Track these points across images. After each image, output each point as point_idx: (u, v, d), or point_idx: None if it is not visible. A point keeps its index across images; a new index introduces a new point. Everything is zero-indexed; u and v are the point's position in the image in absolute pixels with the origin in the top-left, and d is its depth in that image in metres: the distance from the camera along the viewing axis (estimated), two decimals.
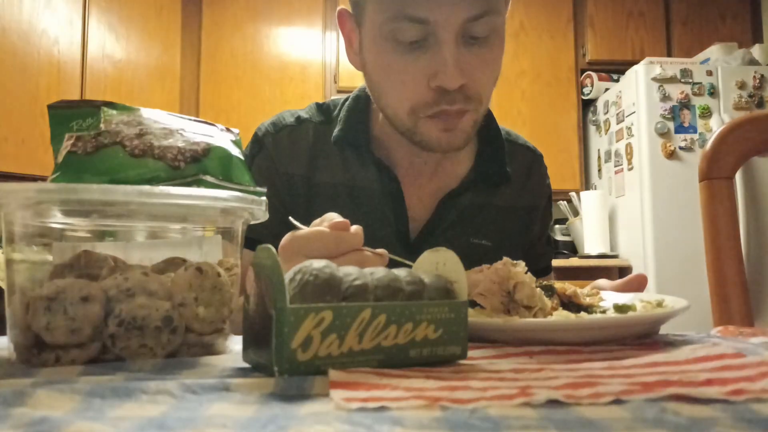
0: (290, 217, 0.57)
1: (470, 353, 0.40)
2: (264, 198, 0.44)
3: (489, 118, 0.82)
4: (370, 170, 0.78)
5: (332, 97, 0.89)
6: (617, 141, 2.85)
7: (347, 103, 0.83)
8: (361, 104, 0.81)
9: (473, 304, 0.52)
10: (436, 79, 0.65)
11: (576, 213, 3.02)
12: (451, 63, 0.64)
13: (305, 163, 0.79)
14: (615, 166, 2.87)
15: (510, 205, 0.84)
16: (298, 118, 0.82)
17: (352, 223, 0.55)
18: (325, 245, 0.52)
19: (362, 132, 0.80)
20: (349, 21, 0.74)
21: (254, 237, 0.65)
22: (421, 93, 0.67)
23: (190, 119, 0.49)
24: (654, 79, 2.58)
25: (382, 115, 0.76)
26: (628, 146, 2.72)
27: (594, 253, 2.78)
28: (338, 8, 0.75)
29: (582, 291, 0.55)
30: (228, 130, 0.51)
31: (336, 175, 0.79)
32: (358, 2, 0.71)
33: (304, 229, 0.54)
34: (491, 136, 0.83)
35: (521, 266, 0.51)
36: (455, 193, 0.80)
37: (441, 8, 0.63)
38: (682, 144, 2.54)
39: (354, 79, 2.91)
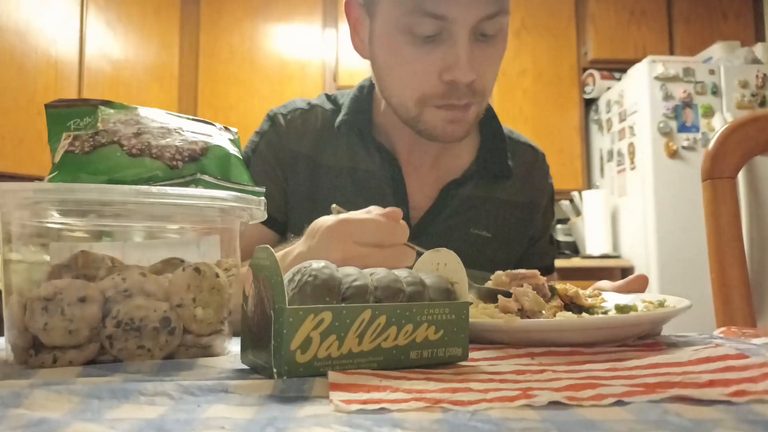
0: (334, 204, 0.59)
1: (471, 354, 0.39)
2: (263, 198, 0.44)
3: (491, 113, 0.85)
4: (373, 155, 0.81)
5: (340, 91, 0.93)
6: (619, 140, 2.84)
7: (352, 91, 0.87)
8: (365, 93, 0.85)
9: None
10: (448, 74, 0.69)
11: (578, 213, 3.01)
12: (464, 59, 0.68)
13: (312, 144, 0.83)
14: (617, 166, 2.86)
15: (511, 199, 0.86)
16: (310, 103, 0.87)
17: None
18: (380, 233, 0.52)
19: (365, 118, 0.83)
20: (357, 9, 0.77)
21: None
22: (432, 84, 0.71)
23: (188, 118, 0.48)
24: (656, 77, 2.57)
25: (385, 103, 0.80)
26: (631, 145, 2.71)
27: (596, 253, 2.77)
28: None
29: (584, 292, 0.55)
30: (226, 129, 0.51)
31: (339, 159, 0.82)
32: None
33: (356, 214, 0.54)
34: (493, 130, 0.86)
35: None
36: (457, 183, 0.82)
37: (458, 6, 0.66)
38: (685, 143, 2.54)
39: (353, 78, 2.90)
